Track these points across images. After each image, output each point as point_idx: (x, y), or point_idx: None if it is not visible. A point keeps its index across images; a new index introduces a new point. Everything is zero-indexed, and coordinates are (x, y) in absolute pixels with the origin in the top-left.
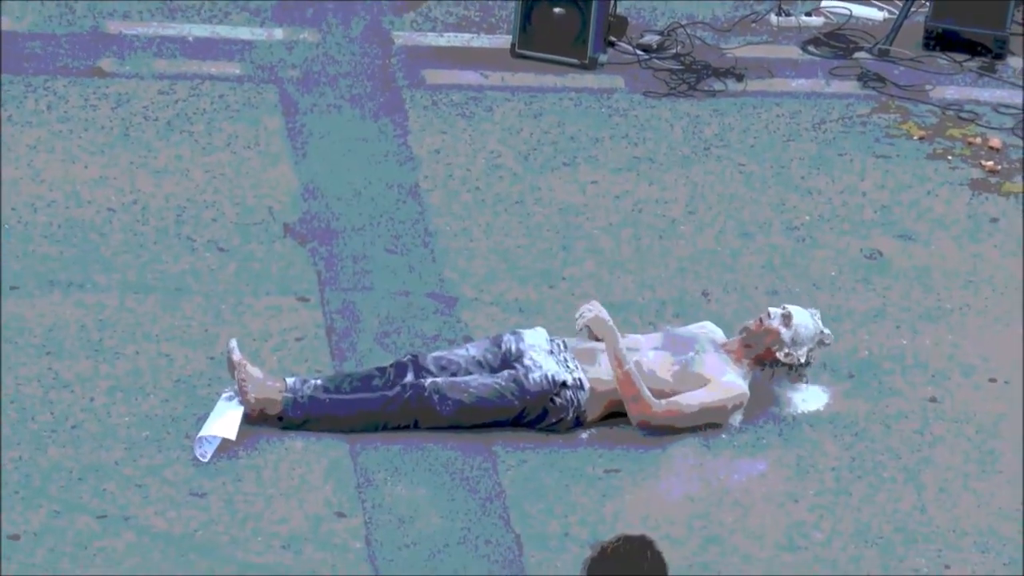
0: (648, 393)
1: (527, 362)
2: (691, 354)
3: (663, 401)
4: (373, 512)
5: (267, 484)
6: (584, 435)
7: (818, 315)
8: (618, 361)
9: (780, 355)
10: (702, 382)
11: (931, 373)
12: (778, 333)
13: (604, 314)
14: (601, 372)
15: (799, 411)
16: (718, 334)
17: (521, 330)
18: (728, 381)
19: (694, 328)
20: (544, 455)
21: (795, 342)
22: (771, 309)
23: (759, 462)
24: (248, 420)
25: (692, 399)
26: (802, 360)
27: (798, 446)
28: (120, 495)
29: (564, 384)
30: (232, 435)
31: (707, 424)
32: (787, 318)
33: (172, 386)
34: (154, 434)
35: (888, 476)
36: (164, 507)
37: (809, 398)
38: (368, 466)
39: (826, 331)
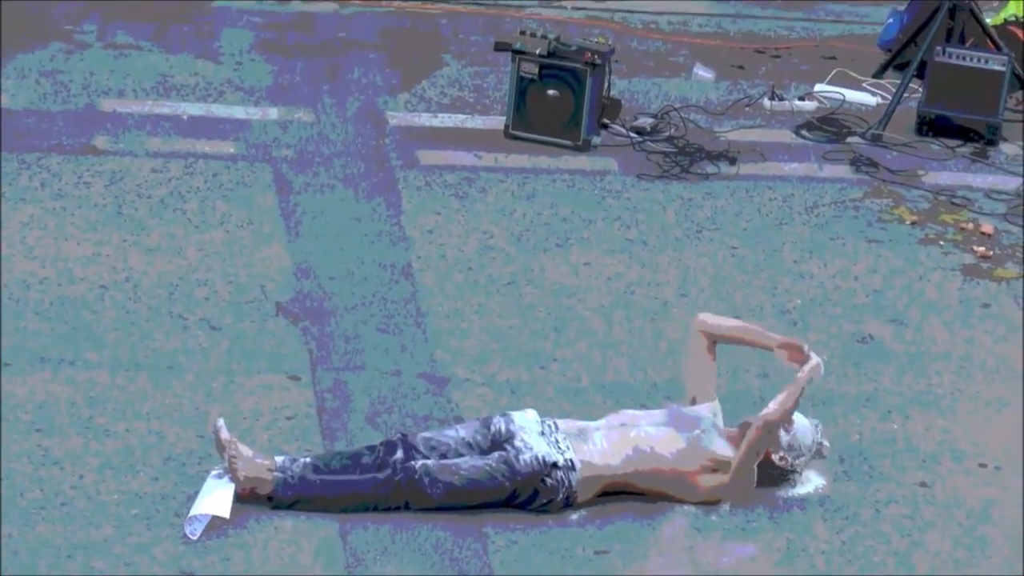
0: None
1: (517, 443)
2: (697, 432)
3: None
4: None
5: (256, 564)
6: (574, 515)
7: (820, 427)
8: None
9: (775, 457)
10: (714, 462)
11: (922, 458)
12: (774, 437)
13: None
14: (593, 454)
15: (789, 494)
16: (719, 418)
17: (511, 412)
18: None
19: (700, 408)
20: (534, 536)
21: (791, 447)
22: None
23: (749, 545)
24: (237, 499)
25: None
26: (797, 468)
27: (788, 529)
28: (109, 573)
29: (555, 465)
30: (226, 513)
31: (705, 500)
32: (787, 423)
33: (162, 464)
34: (144, 512)
35: (878, 561)
36: None
37: (799, 480)
38: (358, 546)
39: (825, 443)
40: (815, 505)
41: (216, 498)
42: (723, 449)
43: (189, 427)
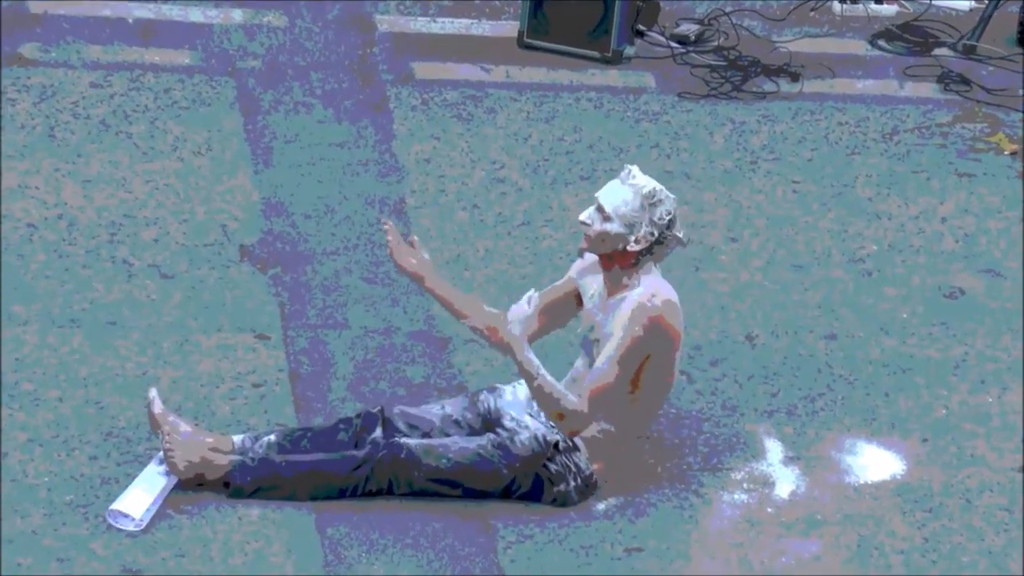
0: (568, 398)
1: (508, 424)
2: (593, 343)
3: (575, 398)
4: None
5: (216, 561)
6: (600, 505)
7: (633, 170)
8: (530, 373)
9: (631, 247)
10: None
11: (1022, 437)
12: (606, 232)
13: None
14: None
15: (861, 481)
16: (597, 316)
17: (501, 385)
18: (621, 315)
19: (585, 324)
20: (552, 530)
21: (629, 224)
22: (581, 216)
23: (812, 542)
24: (183, 486)
25: (600, 364)
26: (655, 233)
27: (859, 524)
28: (38, 571)
29: (556, 447)
30: (136, 514)
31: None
32: (600, 211)
33: (102, 440)
34: (80, 498)
35: (968, 561)
36: None
37: (873, 464)
38: (338, 540)
39: (650, 187)
40: (892, 494)
41: (140, 491)
42: (607, 329)
43: (135, 396)
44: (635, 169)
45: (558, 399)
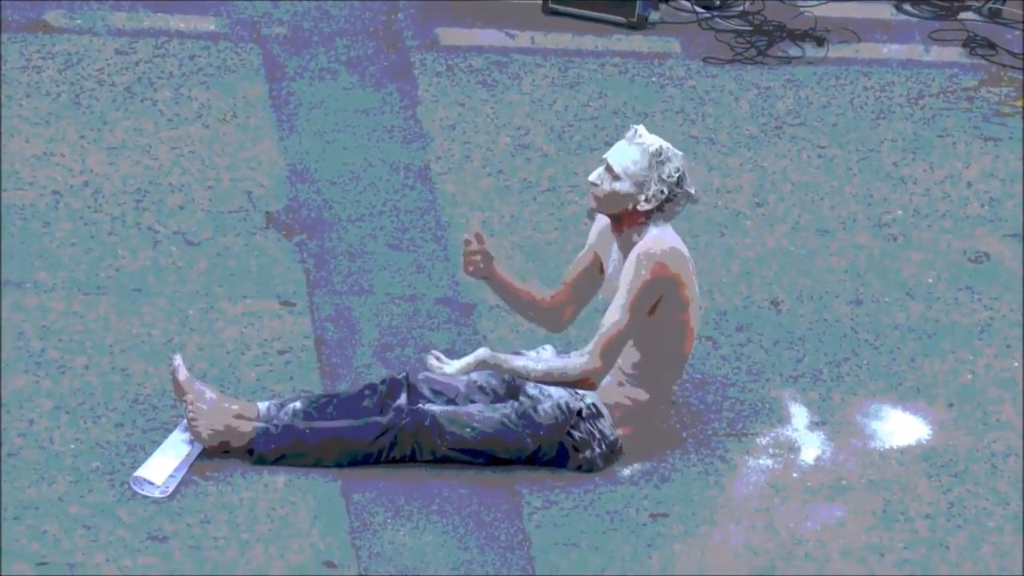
0: (573, 364)
1: (532, 391)
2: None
3: (586, 350)
4: (370, 562)
5: (241, 527)
6: (626, 471)
7: (639, 130)
8: (524, 375)
9: (641, 207)
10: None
11: None
12: (616, 192)
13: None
14: (609, 387)
15: (886, 446)
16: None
17: (525, 351)
18: (627, 266)
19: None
20: (577, 496)
21: (639, 184)
22: (590, 177)
23: (837, 507)
24: (208, 453)
25: (611, 313)
26: (665, 191)
27: (885, 488)
28: (64, 538)
29: (579, 414)
30: (158, 479)
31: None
32: (609, 171)
33: (128, 407)
34: (106, 465)
35: (994, 526)
36: (117, 553)
37: (899, 430)
38: (364, 507)
39: (656, 145)
40: (918, 459)
41: (164, 457)
42: (616, 282)
43: (160, 363)
44: (641, 128)
45: (563, 375)
